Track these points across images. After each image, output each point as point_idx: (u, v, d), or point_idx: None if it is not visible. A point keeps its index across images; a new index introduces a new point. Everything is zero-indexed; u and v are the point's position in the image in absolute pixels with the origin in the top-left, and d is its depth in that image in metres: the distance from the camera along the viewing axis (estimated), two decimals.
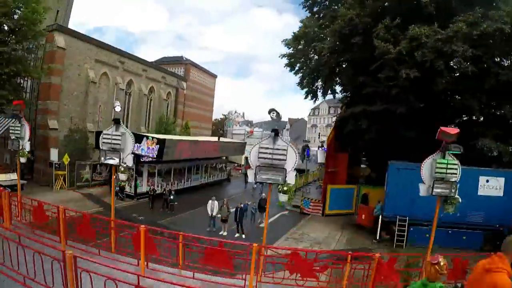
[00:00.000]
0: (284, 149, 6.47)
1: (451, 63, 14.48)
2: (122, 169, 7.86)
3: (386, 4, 15.97)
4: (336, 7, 18.33)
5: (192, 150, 20.99)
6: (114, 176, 8.28)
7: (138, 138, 18.80)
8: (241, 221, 13.48)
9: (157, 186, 19.95)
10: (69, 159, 20.83)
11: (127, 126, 30.28)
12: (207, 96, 44.85)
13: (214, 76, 46.72)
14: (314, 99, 21.73)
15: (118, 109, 9.19)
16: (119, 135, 7.64)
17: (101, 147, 7.89)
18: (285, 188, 6.52)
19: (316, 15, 20.22)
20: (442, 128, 6.00)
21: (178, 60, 40.38)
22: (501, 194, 13.58)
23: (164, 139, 17.97)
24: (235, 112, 79.81)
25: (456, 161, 6.32)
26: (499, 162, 14.71)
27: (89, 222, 7.81)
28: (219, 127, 65.74)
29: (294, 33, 19.58)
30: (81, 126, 24.30)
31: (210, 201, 14.00)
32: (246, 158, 37.49)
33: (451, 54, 13.43)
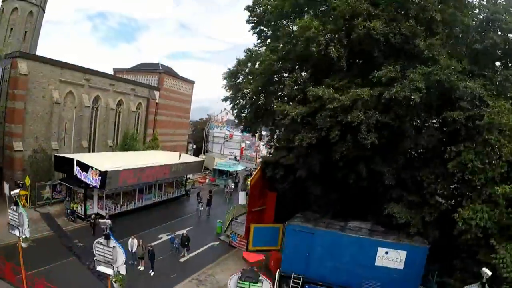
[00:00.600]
0: None
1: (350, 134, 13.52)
2: (114, 279, 8.67)
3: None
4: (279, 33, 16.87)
5: (138, 177, 22.74)
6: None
7: (85, 168, 20.67)
8: (153, 260, 15.35)
9: (107, 209, 21.90)
10: (29, 181, 22.72)
11: (93, 141, 32.30)
12: (183, 103, 46.19)
13: (191, 82, 47.87)
14: (253, 135, 22.79)
15: (108, 223, 8.66)
16: (110, 249, 8.60)
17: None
18: None
19: (262, 40, 19.23)
20: (245, 254, 7.49)
21: (152, 69, 41.52)
22: (401, 267, 13.36)
23: (106, 171, 19.63)
24: (224, 109, 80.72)
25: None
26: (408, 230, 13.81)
27: None
28: (204, 127, 66.98)
29: (229, 69, 19.38)
30: (46, 146, 26.13)
31: (130, 240, 15.87)
32: (214, 169, 39.42)
33: (351, 122, 12.67)
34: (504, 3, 13.29)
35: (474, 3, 14.91)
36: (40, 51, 35.95)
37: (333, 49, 13.11)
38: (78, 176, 20.95)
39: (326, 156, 14.53)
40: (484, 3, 14.06)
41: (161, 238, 19.81)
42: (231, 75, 19.33)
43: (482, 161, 11.74)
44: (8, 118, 24.47)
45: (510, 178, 11.77)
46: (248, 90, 17.88)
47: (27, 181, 22.54)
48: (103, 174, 19.55)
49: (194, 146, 55.76)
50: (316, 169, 14.84)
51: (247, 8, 18.12)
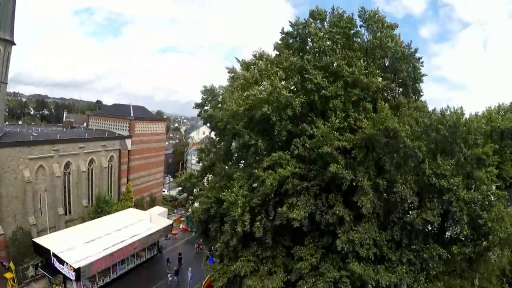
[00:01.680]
0: None
1: None
2: None
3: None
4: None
5: (110, 260, 24.83)
6: None
7: (61, 261, 22.62)
8: None
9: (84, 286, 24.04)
10: (14, 267, 24.55)
11: (69, 203, 33.73)
12: (157, 142, 47.60)
13: (164, 120, 49.30)
14: None
15: None
16: None
17: None
18: None
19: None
20: None
21: (123, 115, 42.47)
22: None
23: (79, 268, 21.66)
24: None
25: None
26: None
27: None
28: (183, 150, 68.39)
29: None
30: (24, 222, 27.74)
31: None
32: (187, 217, 41.42)
33: None
34: None
35: None
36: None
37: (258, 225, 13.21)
38: (56, 265, 22.90)
39: None
40: None
41: None
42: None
43: None
44: None
45: None
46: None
47: (12, 266, 24.45)
48: (77, 270, 21.57)
49: (171, 179, 57.48)
50: None
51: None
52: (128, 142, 41.01)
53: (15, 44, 29.02)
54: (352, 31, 15.67)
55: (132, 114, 42.84)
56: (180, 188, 21.35)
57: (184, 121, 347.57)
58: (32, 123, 68.57)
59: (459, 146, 12.54)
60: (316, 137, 12.38)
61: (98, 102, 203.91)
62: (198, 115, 20.12)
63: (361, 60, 14.03)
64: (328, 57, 14.84)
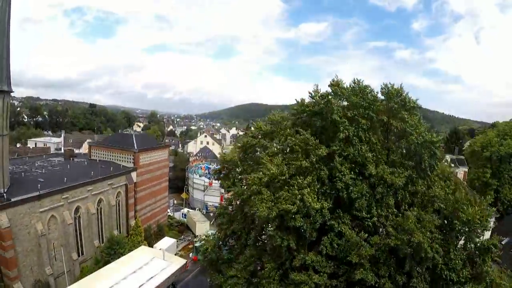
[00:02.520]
0: None
1: None
2: None
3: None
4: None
5: None
6: None
7: None
8: None
9: None
10: None
11: (81, 245, 34.01)
12: (160, 169, 47.74)
13: (167, 147, 49.22)
14: None
15: None
16: None
17: None
18: None
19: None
20: None
21: (127, 147, 42.39)
22: None
23: None
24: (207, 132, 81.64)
25: None
26: None
27: None
28: (185, 167, 68.38)
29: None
30: (41, 273, 28.09)
31: None
32: (197, 248, 41.88)
33: None
34: None
35: None
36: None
37: None
38: None
39: None
40: None
41: None
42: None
43: None
44: (3, 264, 26.03)
45: None
46: None
47: None
48: None
49: (175, 202, 57.93)
50: None
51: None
52: (134, 175, 41.15)
53: (13, 92, 28.83)
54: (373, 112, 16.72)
55: (135, 145, 42.80)
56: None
57: (178, 120, 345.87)
58: (30, 146, 67.49)
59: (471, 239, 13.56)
60: (343, 243, 13.13)
61: (92, 106, 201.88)
62: (221, 186, 21.29)
63: (382, 151, 15.38)
64: (354, 148, 15.83)
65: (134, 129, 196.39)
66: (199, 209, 58.52)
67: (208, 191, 60.07)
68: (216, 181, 61.19)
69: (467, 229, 14.14)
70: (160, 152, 47.62)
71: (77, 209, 32.53)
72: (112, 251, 33.03)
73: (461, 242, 15.64)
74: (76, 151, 68.73)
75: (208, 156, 77.16)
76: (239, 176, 20.31)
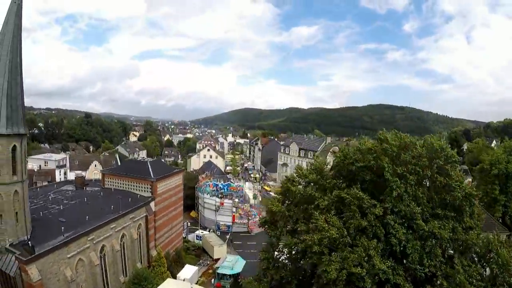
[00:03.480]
0: None
1: None
2: None
3: None
4: None
5: None
6: None
7: None
8: None
9: None
10: None
11: (107, 283, 33.32)
12: (176, 195, 47.17)
13: (181, 172, 48.71)
14: None
15: None
16: None
17: None
18: None
19: None
20: None
21: (144, 176, 41.70)
22: None
23: None
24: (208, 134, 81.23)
25: None
26: None
27: None
28: (194, 185, 67.55)
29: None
30: None
31: None
32: (217, 273, 41.51)
33: None
34: None
35: None
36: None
37: None
38: None
39: None
40: None
41: None
42: None
43: None
44: None
45: None
46: None
47: None
48: None
49: (189, 224, 57.36)
50: None
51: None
52: (152, 204, 40.51)
53: (28, 135, 28.13)
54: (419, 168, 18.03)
55: (151, 174, 42.15)
56: None
57: (172, 126, 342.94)
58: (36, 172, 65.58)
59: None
60: None
61: (87, 115, 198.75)
62: (269, 236, 21.29)
63: (427, 204, 17.28)
64: (403, 204, 16.89)
65: (130, 138, 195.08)
66: (213, 230, 58.03)
67: (220, 211, 59.63)
68: (228, 201, 61.18)
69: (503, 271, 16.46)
70: (175, 178, 47.05)
71: (102, 248, 31.81)
72: (139, 287, 32.43)
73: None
74: (83, 173, 67.82)
75: (215, 173, 76.68)
76: (288, 227, 20.49)
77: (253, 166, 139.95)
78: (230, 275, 40.45)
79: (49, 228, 29.28)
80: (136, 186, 41.91)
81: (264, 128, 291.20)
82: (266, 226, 21.88)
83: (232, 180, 77.10)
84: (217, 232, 57.22)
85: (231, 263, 42.07)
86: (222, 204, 58.79)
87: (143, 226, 38.66)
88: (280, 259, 21.49)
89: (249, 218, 61.46)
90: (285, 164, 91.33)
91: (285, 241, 20.10)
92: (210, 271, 44.42)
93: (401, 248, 16.85)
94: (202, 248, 51.01)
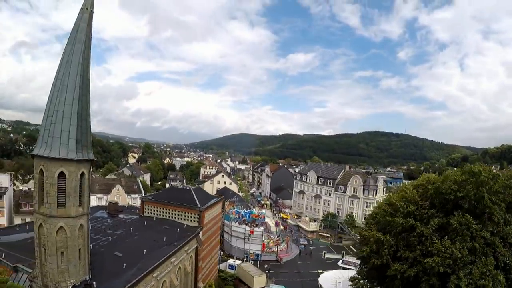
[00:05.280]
0: None
1: None
2: None
3: None
4: None
5: None
6: None
7: None
8: None
9: None
10: None
11: None
12: (216, 224, 45.59)
13: (222, 200, 47.41)
14: None
15: None
16: None
17: None
18: None
19: None
20: None
21: (189, 205, 40.16)
22: None
23: None
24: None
25: None
26: None
27: None
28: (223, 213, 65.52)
29: None
30: None
31: None
32: None
33: None
34: None
35: None
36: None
37: None
38: None
39: None
40: None
41: None
42: None
43: None
44: None
45: None
46: None
47: None
48: None
49: (222, 253, 55.23)
50: None
51: None
52: (200, 235, 38.82)
53: (95, 160, 24.40)
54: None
55: (197, 203, 40.70)
56: None
57: (168, 149, 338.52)
58: None
59: None
60: None
61: None
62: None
63: None
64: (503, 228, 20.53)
65: (129, 160, 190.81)
66: (247, 259, 55.87)
67: (250, 239, 57.72)
68: (258, 229, 59.46)
69: None
70: (217, 207, 45.64)
71: (162, 285, 29.78)
72: None
73: None
74: (104, 197, 65.18)
75: (236, 201, 75.26)
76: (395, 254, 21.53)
77: (260, 193, 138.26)
78: None
79: (107, 265, 26.83)
80: (182, 215, 40.21)
81: (260, 154, 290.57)
82: (366, 255, 22.12)
83: (253, 208, 75.60)
84: (251, 261, 55.05)
85: None
86: (251, 232, 57.01)
87: (193, 258, 36.71)
88: None
89: (278, 246, 59.86)
90: (302, 192, 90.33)
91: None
92: None
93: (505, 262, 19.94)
94: (239, 279, 48.62)
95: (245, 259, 55.41)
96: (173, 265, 31.33)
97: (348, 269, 49.08)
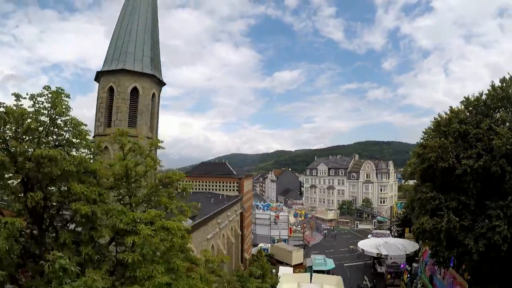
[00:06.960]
0: None
1: None
2: None
3: None
4: None
5: None
6: None
7: None
8: None
9: None
10: None
11: None
12: (249, 199, 45.33)
13: (251, 176, 47.40)
14: None
15: None
16: None
17: None
18: None
19: None
20: None
21: (229, 174, 40.16)
22: None
23: None
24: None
25: None
26: None
27: None
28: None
29: None
30: None
31: None
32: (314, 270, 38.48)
33: None
34: None
35: None
36: None
37: None
38: None
39: None
40: None
41: None
42: None
43: None
44: None
45: None
46: None
47: None
48: None
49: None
50: None
51: None
52: (242, 203, 38.55)
53: (165, 84, 20.68)
54: None
55: (234, 172, 40.77)
56: None
57: None
58: None
59: None
60: None
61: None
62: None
63: None
64: None
65: None
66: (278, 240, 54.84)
67: (277, 224, 56.99)
68: (283, 213, 58.88)
69: None
70: (250, 181, 45.59)
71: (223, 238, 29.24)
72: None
73: None
74: None
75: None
76: None
77: (264, 200, 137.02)
78: (327, 270, 37.87)
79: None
80: (221, 186, 39.96)
81: (253, 171, 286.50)
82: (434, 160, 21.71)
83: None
84: None
85: (322, 260, 39.65)
86: (277, 217, 56.38)
87: (237, 225, 36.17)
88: None
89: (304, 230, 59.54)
90: (313, 186, 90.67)
91: None
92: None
93: None
94: (275, 259, 47.47)
95: (276, 240, 54.41)
96: (228, 220, 30.91)
97: (382, 236, 49.39)
